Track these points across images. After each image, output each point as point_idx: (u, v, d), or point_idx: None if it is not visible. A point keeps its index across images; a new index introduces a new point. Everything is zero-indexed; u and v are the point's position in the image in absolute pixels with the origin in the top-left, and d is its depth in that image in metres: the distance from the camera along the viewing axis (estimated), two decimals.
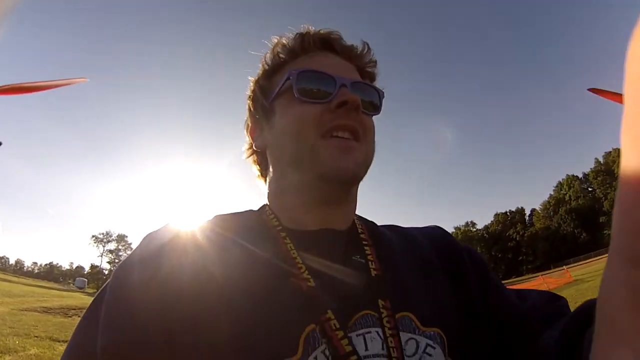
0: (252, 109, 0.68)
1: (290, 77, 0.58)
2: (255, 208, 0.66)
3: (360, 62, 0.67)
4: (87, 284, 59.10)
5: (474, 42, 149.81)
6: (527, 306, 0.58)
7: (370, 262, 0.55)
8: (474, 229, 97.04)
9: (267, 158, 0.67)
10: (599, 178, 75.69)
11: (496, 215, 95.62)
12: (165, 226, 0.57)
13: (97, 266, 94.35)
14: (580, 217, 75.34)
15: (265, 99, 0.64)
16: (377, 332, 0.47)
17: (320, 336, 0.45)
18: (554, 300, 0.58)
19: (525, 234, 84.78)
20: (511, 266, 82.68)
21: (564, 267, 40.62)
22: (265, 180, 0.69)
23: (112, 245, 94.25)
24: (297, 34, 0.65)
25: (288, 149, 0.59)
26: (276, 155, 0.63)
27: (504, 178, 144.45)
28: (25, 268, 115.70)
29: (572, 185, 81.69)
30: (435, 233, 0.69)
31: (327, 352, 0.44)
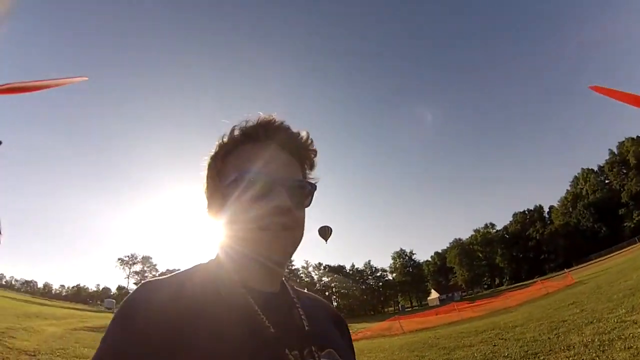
0: (208, 182, 0.79)
1: (238, 178, 0.71)
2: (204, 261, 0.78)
3: (302, 155, 0.79)
4: (115, 305, 62.13)
5: (491, 42, 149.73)
6: None
7: (303, 320, 0.74)
8: (493, 231, 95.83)
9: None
10: (614, 169, 73.92)
11: (514, 215, 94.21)
12: (157, 280, 0.67)
13: (124, 287, 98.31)
14: (599, 210, 73.38)
15: (220, 181, 0.76)
16: None
17: None
18: None
19: (545, 232, 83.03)
20: (533, 266, 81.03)
21: (565, 270, 40.59)
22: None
23: (137, 267, 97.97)
24: (253, 123, 0.76)
25: (234, 232, 0.72)
26: (224, 233, 0.74)
27: (521, 177, 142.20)
28: (53, 291, 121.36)
29: (588, 179, 79.90)
30: (320, 300, 0.92)
31: None
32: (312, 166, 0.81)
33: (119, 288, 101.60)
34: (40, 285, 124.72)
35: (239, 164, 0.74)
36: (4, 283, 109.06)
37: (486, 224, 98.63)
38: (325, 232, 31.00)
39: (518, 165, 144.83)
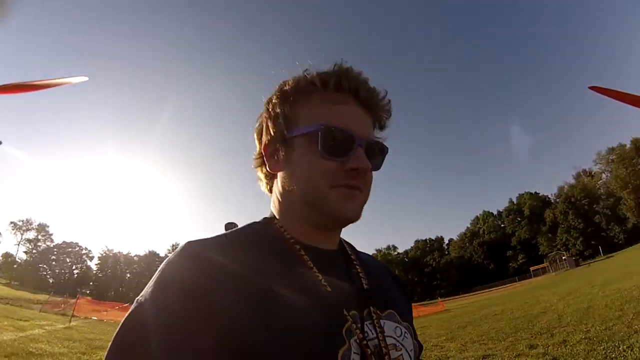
0: (271, 129, 0.72)
1: (317, 131, 0.65)
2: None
3: (378, 114, 0.73)
4: None
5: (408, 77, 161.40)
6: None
7: (362, 278, 0.70)
8: (395, 253, 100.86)
9: (275, 175, 0.74)
10: (510, 216, 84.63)
11: (416, 241, 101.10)
12: (203, 239, 0.62)
13: (11, 255, 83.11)
14: (491, 249, 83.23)
15: (287, 129, 0.69)
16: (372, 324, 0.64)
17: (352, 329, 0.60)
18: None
19: (442, 261, 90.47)
20: (426, 290, 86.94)
21: (439, 298, 43.69)
22: (270, 192, 0.77)
23: (31, 235, 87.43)
24: (332, 71, 0.69)
25: (302, 189, 0.67)
26: (287, 186, 0.70)
27: (429, 208, 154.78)
28: None
29: (487, 220, 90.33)
30: (384, 266, 0.88)
31: (357, 340, 0.59)
32: (383, 127, 0.76)
33: (5, 255, 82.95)
34: None
35: (314, 115, 0.68)
36: None
37: (388, 246, 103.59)
38: (231, 229, 33.75)
39: (428, 197, 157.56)
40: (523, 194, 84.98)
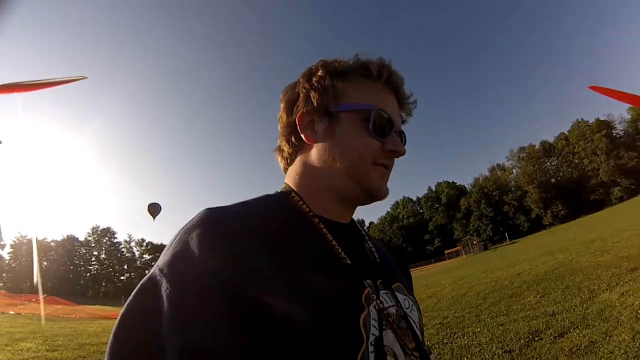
0: (315, 99, 0.71)
1: (370, 109, 0.69)
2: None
3: (404, 108, 0.78)
4: None
5: None
6: None
7: (374, 252, 0.74)
8: None
9: (304, 146, 0.74)
10: (428, 203, 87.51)
11: None
12: (222, 209, 0.60)
13: None
14: (409, 233, 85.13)
15: (334, 102, 0.71)
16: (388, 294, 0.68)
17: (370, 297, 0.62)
18: None
19: None
20: None
21: None
22: (287, 162, 0.77)
23: None
24: (382, 64, 0.73)
25: (345, 161, 0.69)
26: (325, 158, 0.70)
27: None
28: None
29: (406, 205, 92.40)
30: (385, 242, 0.91)
31: (375, 306, 0.61)
32: (404, 123, 0.81)
33: None
34: None
35: (367, 97, 0.71)
36: None
37: None
38: (154, 210, 31.64)
39: None
40: (441, 183, 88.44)
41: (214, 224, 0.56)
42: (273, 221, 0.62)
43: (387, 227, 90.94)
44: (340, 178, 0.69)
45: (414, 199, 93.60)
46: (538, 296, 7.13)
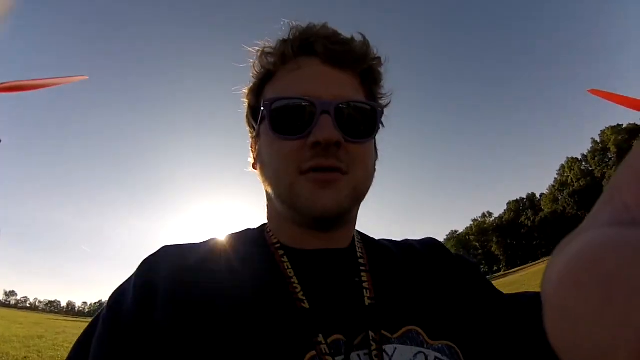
0: (246, 126, 0.65)
1: (265, 109, 0.54)
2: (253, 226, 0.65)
3: (357, 66, 0.57)
4: None
5: (469, 34, 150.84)
6: (526, 297, 0.57)
7: (365, 290, 0.52)
8: (491, 219, 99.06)
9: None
10: (596, 158, 76.78)
11: (509, 203, 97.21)
12: (162, 249, 0.55)
13: None
14: (583, 198, 76.34)
15: (253, 120, 0.61)
16: None
17: None
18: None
19: (536, 219, 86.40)
20: (527, 252, 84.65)
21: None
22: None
23: None
24: (279, 40, 0.58)
25: (270, 181, 0.57)
26: (263, 185, 0.61)
27: (515, 165, 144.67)
28: (76, 308, 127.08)
29: (572, 167, 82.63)
30: (433, 244, 0.67)
31: None
32: (376, 80, 0.60)
33: None
34: (63, 304, 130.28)
35: (271, 93, 0.57)
36: (28, 305, 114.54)
37: (483, 213, 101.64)
38: None
39: (511, 154, 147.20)
40: (605, 130, 76.72)
41: (147, 258, 0.53)
42: (231, 259, 0.53)
43: (558, 197, 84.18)
44: (278, 204, 0.57)
45: (579, 157, 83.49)
46: None
